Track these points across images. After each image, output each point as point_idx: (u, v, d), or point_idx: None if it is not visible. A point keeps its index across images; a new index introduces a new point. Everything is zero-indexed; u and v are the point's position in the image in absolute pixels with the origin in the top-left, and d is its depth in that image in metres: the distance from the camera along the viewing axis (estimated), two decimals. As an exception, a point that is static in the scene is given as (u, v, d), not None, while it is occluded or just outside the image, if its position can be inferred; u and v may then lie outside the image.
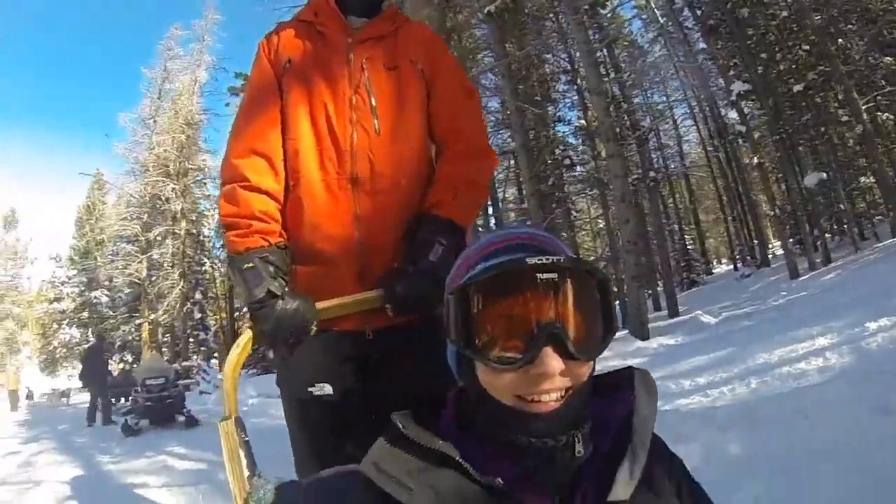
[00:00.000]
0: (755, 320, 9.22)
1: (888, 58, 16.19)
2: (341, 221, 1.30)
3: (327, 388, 1.28)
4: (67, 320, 32.90)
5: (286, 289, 1.24)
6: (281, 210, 1.34)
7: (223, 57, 27.70)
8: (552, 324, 0.65)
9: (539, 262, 0.65)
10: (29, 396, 25.58)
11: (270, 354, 1.25)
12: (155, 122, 25.95)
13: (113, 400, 12.55)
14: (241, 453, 1.01)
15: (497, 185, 21.74)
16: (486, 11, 13.31)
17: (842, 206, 17.96)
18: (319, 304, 1.22)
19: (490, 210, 20.11)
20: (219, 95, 29.47)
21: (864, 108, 14.32)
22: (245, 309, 25.77)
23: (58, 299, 33.18)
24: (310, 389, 1.28)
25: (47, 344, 35.55)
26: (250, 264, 1.23)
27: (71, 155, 76.20)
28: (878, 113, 16.25)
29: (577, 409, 0.69)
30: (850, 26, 17.01)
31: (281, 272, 1.26)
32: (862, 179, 18.66)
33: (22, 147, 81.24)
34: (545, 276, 0.66)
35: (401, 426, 0.74)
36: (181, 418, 9.69)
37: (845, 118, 16.19)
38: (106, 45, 73.56)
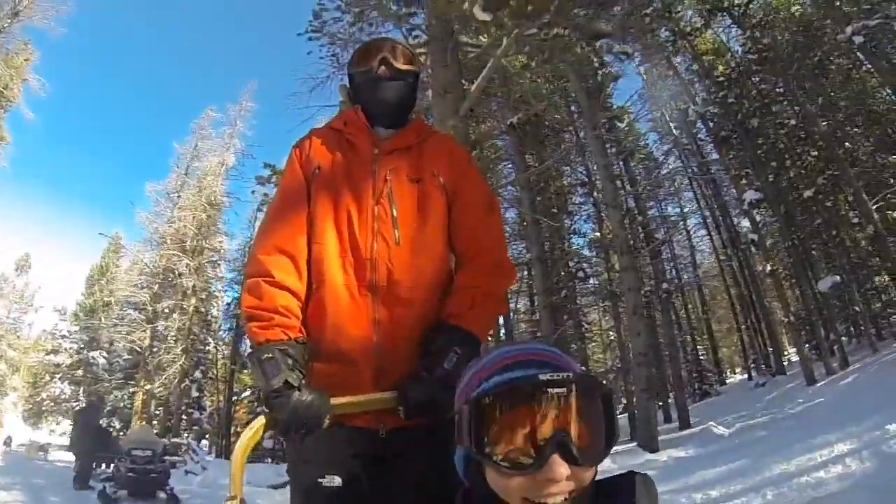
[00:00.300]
0: (771, 430, 8.98)
1: (895, 156, 16.63)
2: (361, 325, 1.34)
3: (337, 480, 1.29)
4: (61, 375, 32.18)
5: (303, 381, 1.27)
6: (302, 309, 1.38)
7: (252, 144, 28.72)
8: (559, 433, 0.72)
9: (550, 377, 0.73)
10: (7, 443, 24.70)
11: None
12: (179, 196, 26.47)
13: (94, 465, 11.98)
14: None
15: (509, 296, 21.82)
16: (508, 123, 13.97)
17: (857, 308, 17.66)
18: (334, 400, 1.25)
19: (501, 320, 20.03)
20: (243, 181, 30.37)
21: (874, 207, 14.56)
22: (243, 395, 25.36)
23: (55, 352, 32.62)
24: (319, 480, 1.30)
25: (35, 394, 34.61)
26: (269, 355, 1.26)
27: (93, 213, 78.18)
28: (889, 212, 16.39)
29: None
30: (856, 129, 17.65)
31: (299, 365, 1.29)
32: (876, 279, 18.67)
33: (46, 197, 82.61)
34: (555, 390, 0.73)
35: None
36: (163, 495, 9.32)
37: (856, 220, 16.37)
38: (148, 115, 77.52)
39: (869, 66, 15.74)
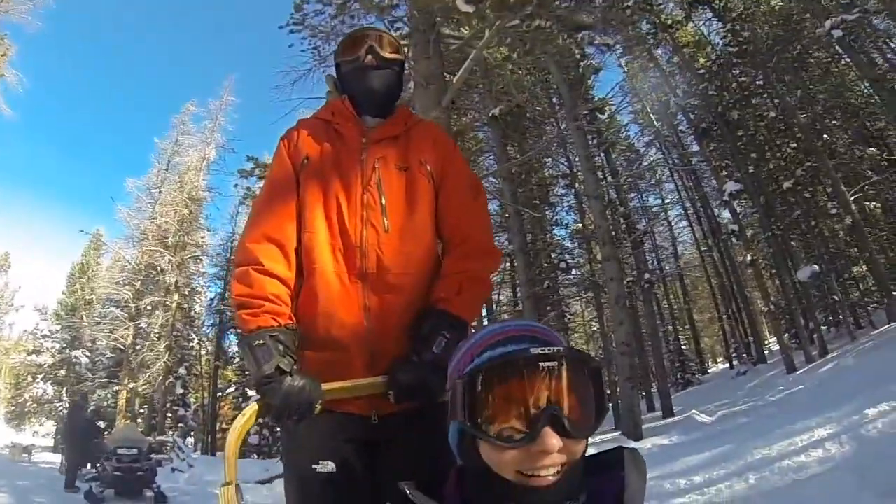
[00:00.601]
0: (752, 417, 9.07)
1: (872, 148, 16.98)
2: (352, 311, 1.35)
3: (330, 466, 1.31)
4: (43, 375, 31.52)
5: (294, 367, 1.27)
6: (291, 297, 1.39)
7: (233, 138, 28.25)
8: (552, 406, 0.73)
9: (541, 351, 0.74)
10: (-10, 446, 24.31)
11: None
12: (160, 192, 26.04)
13: (79, 466, 11.87)
14: None
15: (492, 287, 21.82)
16: (490, 114, 13.95)
17: (836, 297, 18.11)
18: (325, 386, 1.25)
19: (484, 311, 20.14)
20: (225, 175, 30.01)
21: (852, 199, 14.74)
22: (227, 392, 25.12)
23: (37, 352, 31.91)
24: (313, 466, 1.31)
25: (18, 395, 33.92)
26: (261, 341, 1.26)
27: (73, 210, 76.30)
28: (867, 203, 16.71)
29: (573, 482, 0.77)
30: (834, 122, 17.94)
31: (290, 351, 1.29)
32: (854, 269, 19.10)
33: (25, 195, 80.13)
34: (546, 364, 0.74)
35: (407, 491, 0.82)
36: (149, 493, 9.28)
37: (834, 210, 16.59)
38: (128, 110, 75.59)
39: (847, 59, 16.00)
